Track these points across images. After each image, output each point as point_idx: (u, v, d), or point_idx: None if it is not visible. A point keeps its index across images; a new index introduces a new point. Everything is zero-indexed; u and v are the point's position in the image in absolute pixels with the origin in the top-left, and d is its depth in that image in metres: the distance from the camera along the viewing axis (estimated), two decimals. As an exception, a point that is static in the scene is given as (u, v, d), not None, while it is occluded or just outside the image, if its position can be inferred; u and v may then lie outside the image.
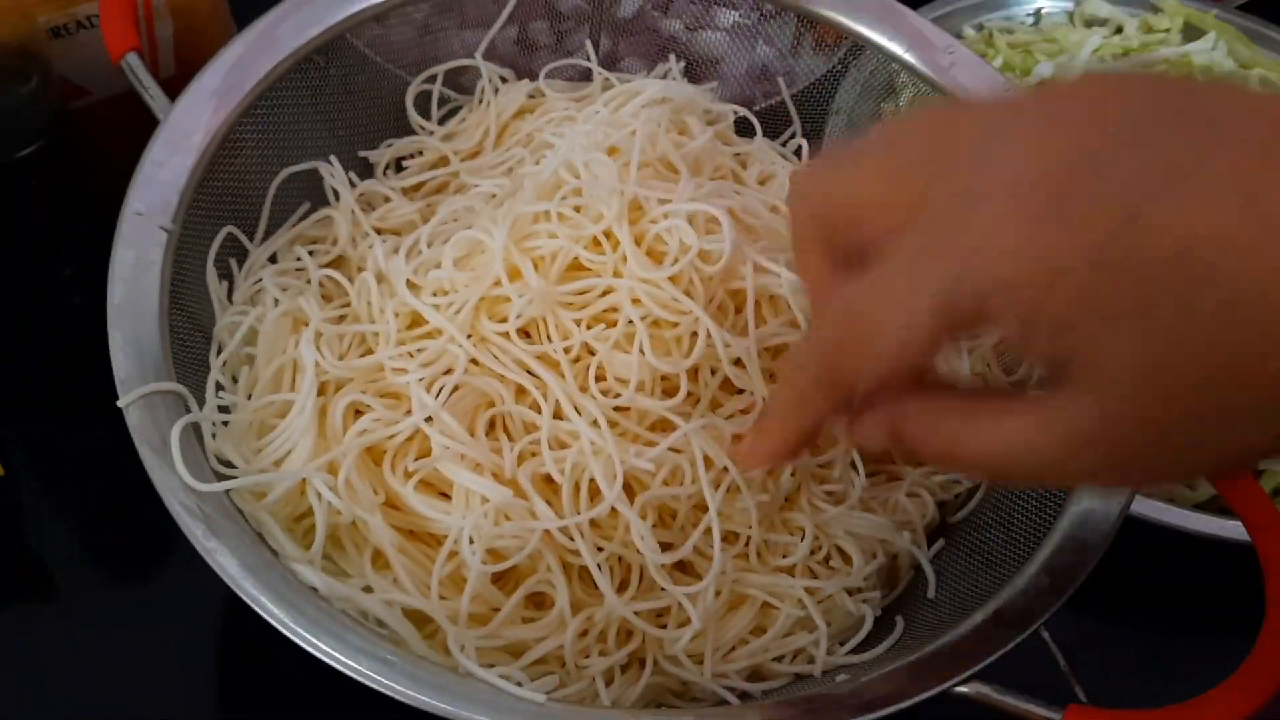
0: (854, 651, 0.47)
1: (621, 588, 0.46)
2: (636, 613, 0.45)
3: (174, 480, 0.42)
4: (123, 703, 0.52)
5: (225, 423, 0.47)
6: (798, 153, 0.64)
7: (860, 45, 0.63)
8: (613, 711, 0.43)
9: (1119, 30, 0.75)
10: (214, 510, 0.42)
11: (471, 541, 0.43)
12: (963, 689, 0.41)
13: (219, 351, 0.49)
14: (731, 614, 0.47)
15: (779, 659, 0.47)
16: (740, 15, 0.65)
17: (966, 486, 0.54)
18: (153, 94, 0.51)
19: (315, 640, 0.39)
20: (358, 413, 0.47)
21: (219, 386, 0.48)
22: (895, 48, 0.61)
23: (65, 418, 0.60)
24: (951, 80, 0.60)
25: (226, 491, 0.44)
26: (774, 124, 0.65)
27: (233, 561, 0.41)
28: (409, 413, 0.46)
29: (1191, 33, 0.74)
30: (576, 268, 0.48)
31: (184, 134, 0.50)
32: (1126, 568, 0.58)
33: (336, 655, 0.39)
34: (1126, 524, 0.55)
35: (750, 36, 0.66)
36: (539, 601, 0.47)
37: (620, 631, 0.46)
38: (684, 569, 0.47)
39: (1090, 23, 0.75)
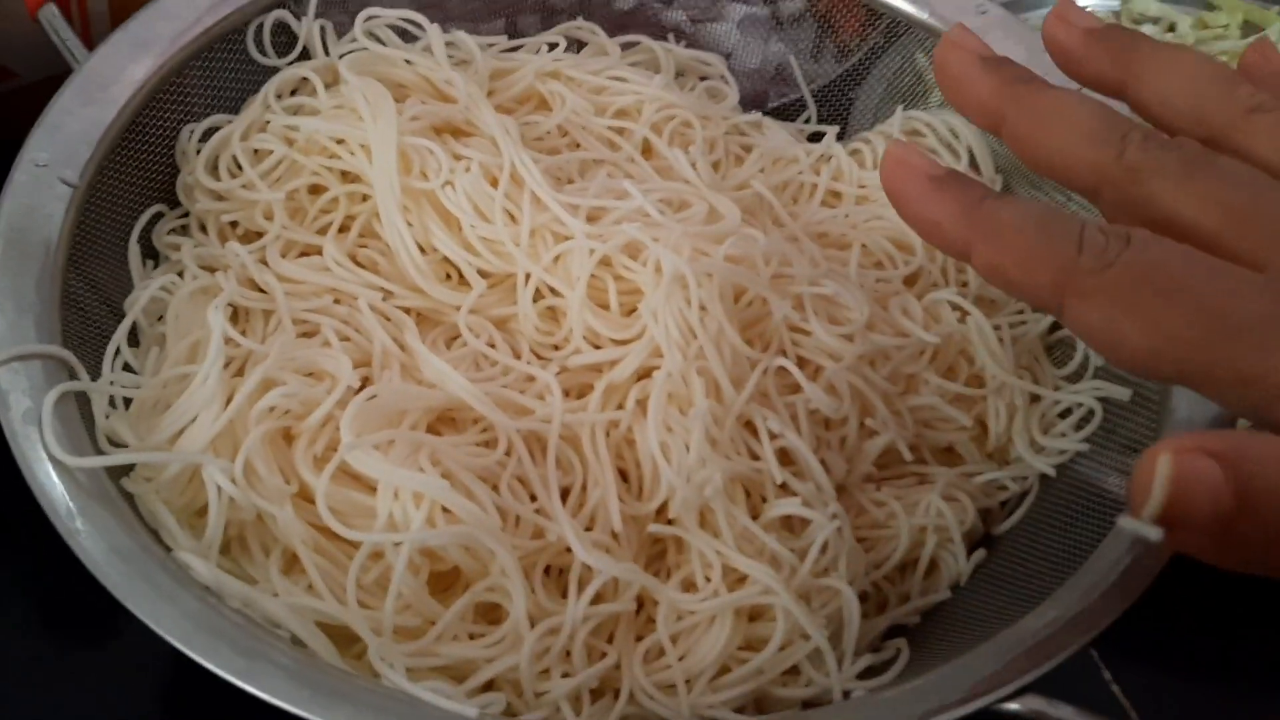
0: (871, 672, 0.38)
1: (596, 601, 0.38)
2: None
3: (40, 452, 0.35)
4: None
5: (128, 402, 0.40)
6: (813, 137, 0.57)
7: (886, 40, 0.56)
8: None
9: (1171, 28, 0.68)
10: (91, 494, 0.35)
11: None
12: (1013, 704, 0.32)
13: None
14: (709, 630, 0.38)
15: (784, 683, 0.38)
16: (751, 7, 0.59)
17: (1013, 491, 0.45)
18: (72, 46, 0.45)
19: (186, 637, 0.31)
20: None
21: (126, 367, 0.41)
22: (916, 11, 0.54)
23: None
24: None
25: (118, 481, 0.37)
26: (788, 115, 0.59)
27: (100, 546, 0.33)
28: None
29: (1250, 30, 0.67)
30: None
31: (100, 84, 0.44)
32: (1188, 610, 0.49)
33: (210, 652, 0.31)
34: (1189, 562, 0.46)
35: (763, 30, 0.60)
36: (493, 618, 0.38)
37: (591, 649, 0.37)
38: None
39: (1139, 21, 0.68)
